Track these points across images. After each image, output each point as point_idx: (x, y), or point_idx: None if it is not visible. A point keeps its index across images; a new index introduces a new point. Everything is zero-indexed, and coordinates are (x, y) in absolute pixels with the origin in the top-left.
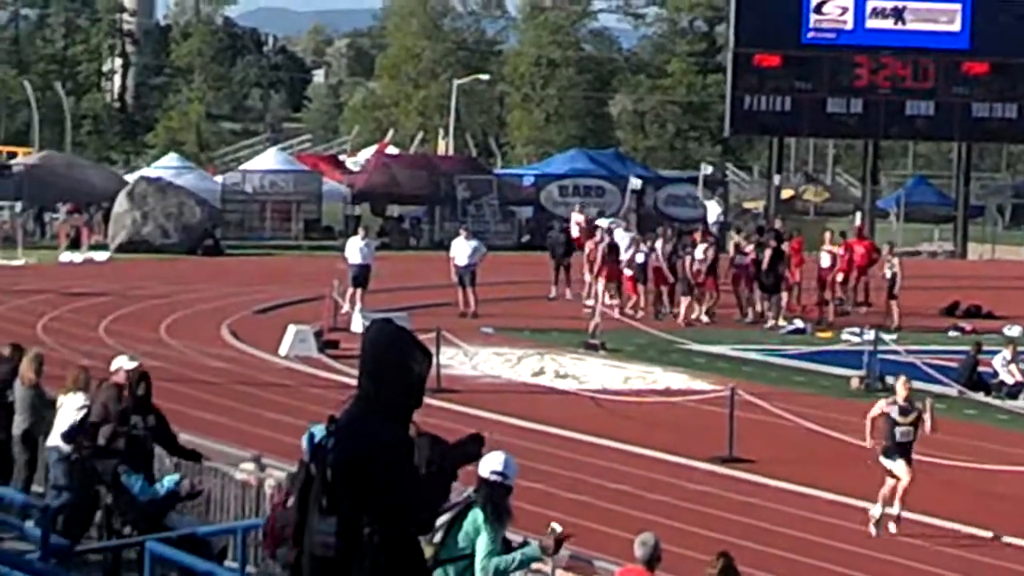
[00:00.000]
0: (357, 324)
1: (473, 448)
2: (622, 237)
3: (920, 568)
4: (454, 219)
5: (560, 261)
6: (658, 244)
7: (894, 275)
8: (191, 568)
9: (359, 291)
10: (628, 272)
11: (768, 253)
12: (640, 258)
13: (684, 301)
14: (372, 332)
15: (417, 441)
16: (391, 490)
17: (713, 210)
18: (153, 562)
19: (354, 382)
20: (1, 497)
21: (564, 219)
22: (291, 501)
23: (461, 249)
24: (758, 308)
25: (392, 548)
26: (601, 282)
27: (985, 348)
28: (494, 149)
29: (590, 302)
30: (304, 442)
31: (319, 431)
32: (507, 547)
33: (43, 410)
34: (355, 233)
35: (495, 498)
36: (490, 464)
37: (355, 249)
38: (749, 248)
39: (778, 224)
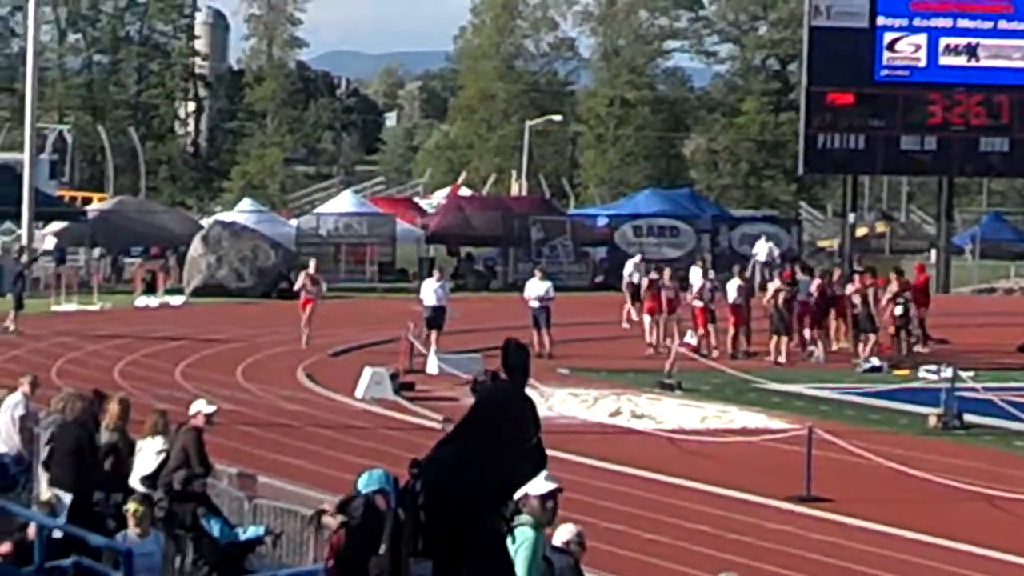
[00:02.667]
0: (433, 366)
1: None
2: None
3: None
4: (528, 260)
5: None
6: (734, 283)
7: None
8: None
9: (434, 332)
10: (699, 304)
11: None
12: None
13: (773, 340)
14: (490, 391)
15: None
16: (477, 530)
17: (762, 249)
18: None
19: (430, 424)
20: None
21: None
22: (383, 548)
23: (535, 289)
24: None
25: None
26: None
27: None
28: (567, 190)
29: (668, 342)
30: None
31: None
32: None
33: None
34: (430, 275)
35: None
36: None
37: (430, 291)
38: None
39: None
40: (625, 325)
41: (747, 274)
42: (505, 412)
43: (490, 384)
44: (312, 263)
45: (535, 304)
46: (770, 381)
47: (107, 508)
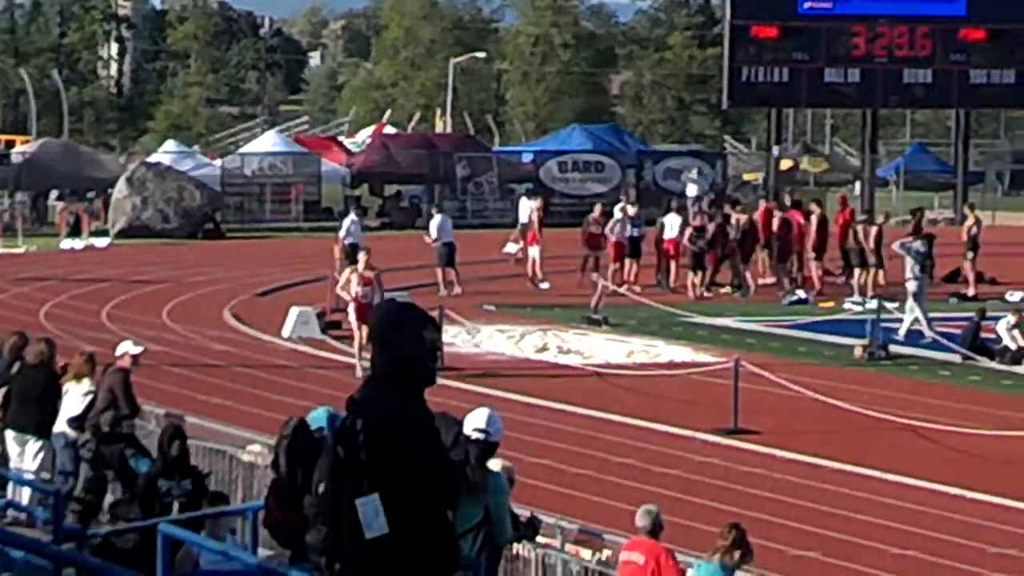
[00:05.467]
0: None
1: (528, 532)
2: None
3: (924, 534)
4: (453, 197)
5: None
6: (674, 218)
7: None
8: (207, 549)
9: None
10: (615, 240)
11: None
12: (636, 231)
13: (690, 275)
14: (381, 312)
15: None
16: (421, 463)
17: (692, 188)
18: (165, 544)
19: (356, 361)
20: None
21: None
22: (322, 487)
23: (438, 227)
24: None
25: (428, 523)
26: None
27: (988, 314)
28: (492, 127)
29: (594, 277)
30: (315, 423)
31: (317, 417)
32: (515, 521)
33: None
34: (348, 213)
35: (481, 456)
36: (473, 422)
37: (346, 227)
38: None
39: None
40: (512, 250)
41: (700, 215)
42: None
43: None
44: (363, 256)
45: (438, 242)
46: (696, 315)
47: None
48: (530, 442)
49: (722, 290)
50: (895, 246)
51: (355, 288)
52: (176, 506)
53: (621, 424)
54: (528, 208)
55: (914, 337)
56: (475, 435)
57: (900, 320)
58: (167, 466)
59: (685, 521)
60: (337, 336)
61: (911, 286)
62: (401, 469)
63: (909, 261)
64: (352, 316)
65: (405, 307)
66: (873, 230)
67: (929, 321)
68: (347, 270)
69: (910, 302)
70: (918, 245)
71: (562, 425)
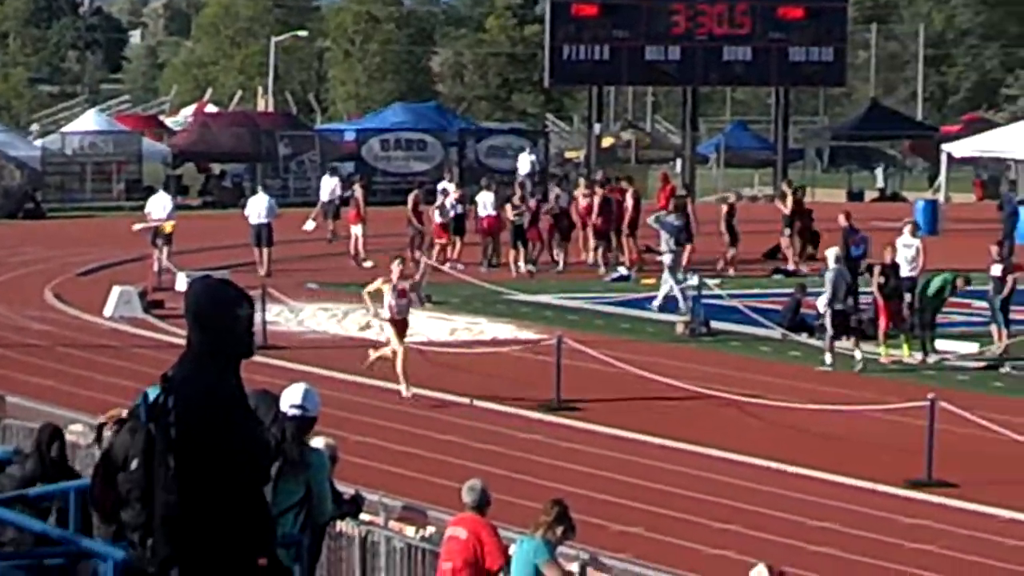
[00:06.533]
0: (182, 283)
1: (352, 509)
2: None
3: (746, 508)
4: (276, 176)
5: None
6: (487, 195)
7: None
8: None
9: (166, 248)
10: (439, 220)
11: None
12: (459, 208)
13: (511, 254)
14: (196, 286)
15: (253, 396)
16: (233, 440)
17: (524, 162)
18: None
19: (180, 341)
20: None
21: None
22: (135, 464)
23: (255, 207)
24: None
25: (242, 500)
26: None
27: (808, 290)
28: (315, 106)
29: (417, 255)
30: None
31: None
32: (338, 498)
33: None
34: (164, 191)
35: (298, 432)
36: (289, 398)
37: (159, 206)
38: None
39: (599, 174)
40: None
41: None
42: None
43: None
44: (396, 266)
45: (255, 221)
46: (519, 292)
47: None
48: (354, 420)
49: (523, 267)
50: (650, 220)
51: (389, 300)
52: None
53: (444, 401)
54: (329, 186)
55: (671, 304)
56: (291, 411)
57: (720, 296)
58: (46, 469)
59: (509, 497)
60: (160, 315)
61: (666, 259)
62: (212, 446)
63: (664, 234)
64: (390, 331)
65: (220, 284)
66: (724, 208)
67: (684, 292)
68: (378, 280)
69: (665, 274)
70: (672, 219)
71: (385, 403)
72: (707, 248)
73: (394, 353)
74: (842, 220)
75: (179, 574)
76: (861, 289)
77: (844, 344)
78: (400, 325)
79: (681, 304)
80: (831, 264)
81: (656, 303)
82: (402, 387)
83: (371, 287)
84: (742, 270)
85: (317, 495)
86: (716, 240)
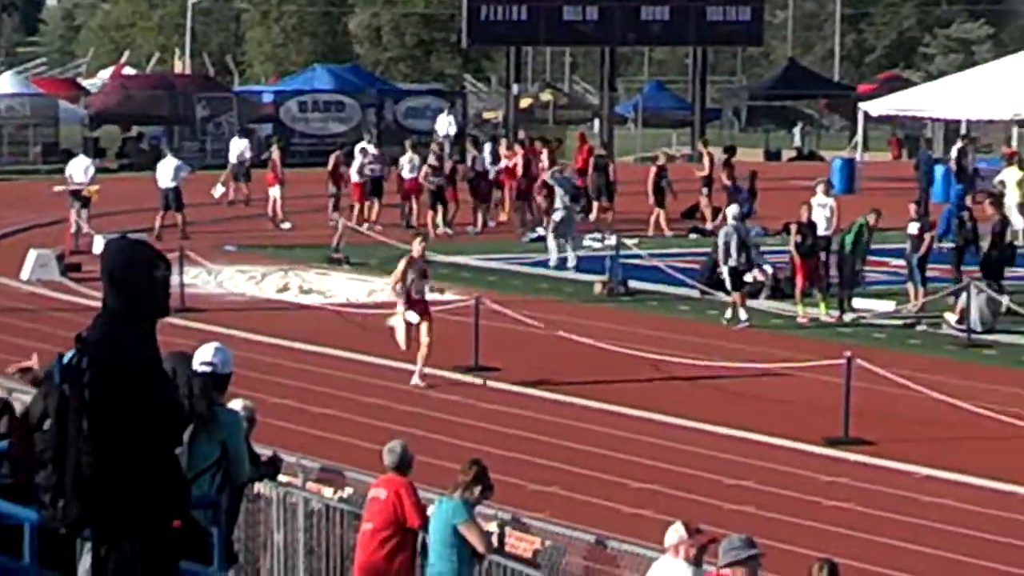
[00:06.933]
0: (99, 246)
1: (269, 471)
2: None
3: (665, 467)
4: (194, 138)
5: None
6: (409, 157)
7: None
8: None
9: (85, 211)
10: (357, 180)
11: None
12: (376, 170)
13: (429, 215)
14: (111, 248)
15: (170, 358)
16: (146, 401)
17: (442, 123)
18: None
19: (98, 304)
20: None
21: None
22: (47, 424)
23: (164, 171)
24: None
25: (153, 460)
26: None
27: None
28: (232, 67)
29: (335, 216)
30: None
31: (69, 355)
32: (256, 460)
33: None
34: (84, 155)
35: (206, 388)
36: (201, 356)
37: (80, 169)
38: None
39: (521, 134)
40: (218, 194)
41: (438, 152)
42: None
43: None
44: (418, 244)
45: (163, 185)
46: (437, 253)
47: None
48: (272, 382)
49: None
50: (546, 176)
51: (412, 279)
52: None
53: (364, 363)
54: (239, 148)
55: (653, 273)
56: (202, 368)
57: (639, 256)
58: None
59: (428, 459)
60: (77, 278)
61: (556, 215)
62: (126, 407)
63: (559, 191)
64: (402, 311)
65: (136, 245)
66: (653, 169)
67: (574, 252)
68: (402, 261)
69: (549, 229)
70: (568, 175)
71: (305, 365)
72: (627, 208)
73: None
74: (724, 179)
75: (91, 535)
76: (780, 248)
77: (760, 303)
78: (417, 306)
79: (570, 260)
80: (729, 221)
81: (552, 260)
82: (417, 372)
83: (395, 279)
84: (660, 230)
85: (233, 456)
86: (634, 200)
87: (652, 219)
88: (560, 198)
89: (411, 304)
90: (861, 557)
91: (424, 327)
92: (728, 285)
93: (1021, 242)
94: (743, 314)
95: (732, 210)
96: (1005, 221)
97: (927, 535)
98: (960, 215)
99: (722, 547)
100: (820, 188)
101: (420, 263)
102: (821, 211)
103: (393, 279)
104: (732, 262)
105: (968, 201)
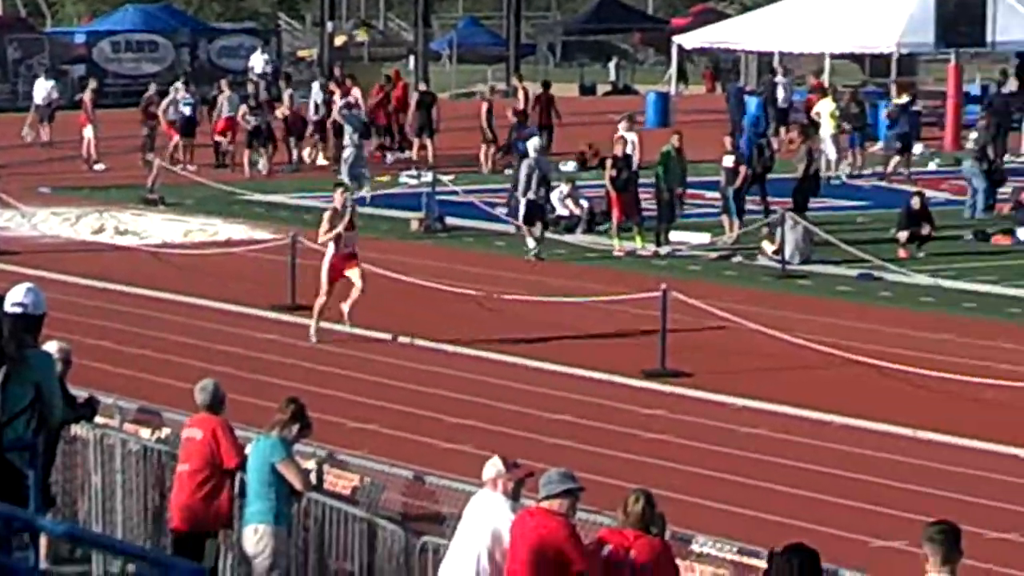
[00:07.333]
0: None
1: (86, 412)
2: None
3: (483, 403)
4: (5, 80)
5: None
6: (227, 96)
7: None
8: None
9: None
10: (170, 119)
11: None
12: (187, 111)
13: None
14: None
15: None
16: None
17: (257, 61)
18: None
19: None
20: None
21: None
22: None
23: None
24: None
25: None
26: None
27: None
28: (44, 8)
29: (150, 156)
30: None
31: None
32: (72, 402)
33: None
34: None
35: (15, 328)
36: (12, 297)
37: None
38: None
39: (336, 71)
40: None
41: (250, 88)
42: None
43: None
44: (340, 194)
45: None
46: (254, 192)
47: None
48: (88, 324)
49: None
50: (336, 114)
51: (339, 231)
52: None
53: (180, 303)
54: (44, 90)
55: (469, 209)
56: (13, 309)
57: (455, 192)
58: None
59: (246, 397)
60: None
61: (346, 152)
62: None
63: (348, 128)
64: (325, 269)
65: None
66: (484, 106)
67: (369, 186)
68: (324, 217)
69: (342, 167)
70: (357, 112)
71: (121, 306)
72: (446, 145)
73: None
74: (509, 114)
75: None
76: (596, 182)
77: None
78: (348, 259)
79: (364, 194)
80: (530, 154)
81: (365, 196)
82: (312, 330)
83: (323, 232)
84: (477, 166)
85: (47, 397)
86: (453, 137)
87: (483, 155)
88: (349, 135)
89: (341, 258)
90: (680, 488)
91: (355, 273)
92: (521, 216)
93: (835, 172)
94: (531, 243)
95: (533, 143)
96: (812, 152)
97: (744, 465)
98: (760, 143)
99: (541, 481)
100: (623, 124)
101: (345, 212)
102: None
103: (321, 232)
104: (531, 195)
105: (783, 133)
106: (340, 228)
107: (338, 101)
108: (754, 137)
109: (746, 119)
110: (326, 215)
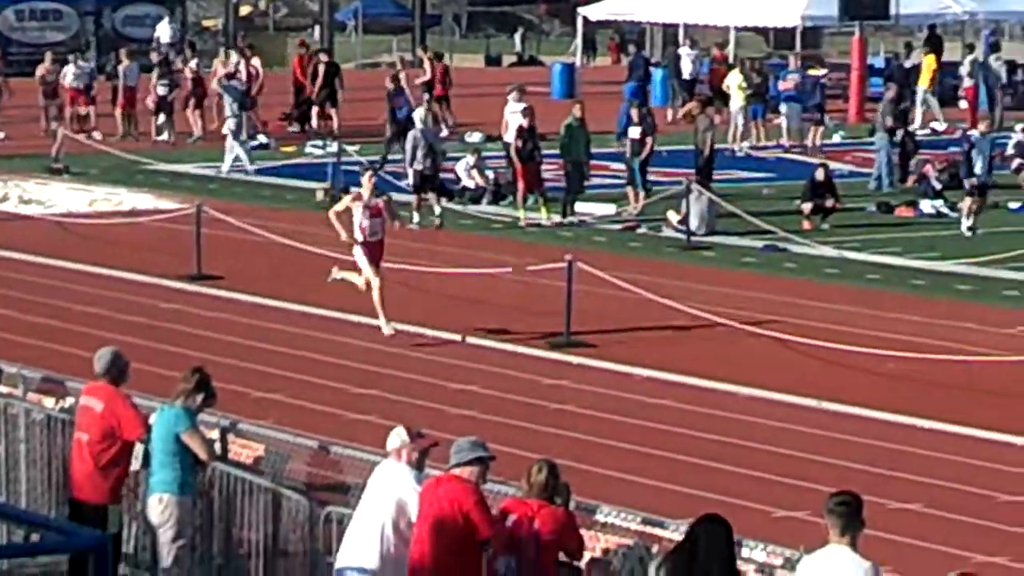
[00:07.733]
0: None
1: None
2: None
3: (387, 373)
4: None
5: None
6: (129, 65)
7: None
8: None
9: None
10: (71, 86)
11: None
12: (89, 79)
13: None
14: None
15: None
16: None
17: (164, 30)
18: None
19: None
20: None
21: None
22: None
23: None
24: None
25: None
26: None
27: (449, 155)
28: None
29: (54, 125)
30: None
31: None
32: None
33: None
34: None
35: None
36: None
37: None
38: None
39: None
40: None
41: (155, 57)
42: None
43: None
44: (368, 179)
45: None
46: (159, 162)
47: None
48: None
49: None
50: (214, 84)
51: (360, 220)
52: None
53: (84, 273)
54: None
55: (282, 170)
56: None
57: (359, 162)
58: None
59: (149, 367)
60: None
61: (229, 123)
62: None
63: (228, 99)
64: (360, 257)
65: None
66: (420, 76)
67: (249, 155)
68: (346, 197)
69: (228, 139)
70: (235, 83)
71: (25, 275)
72: (349, 115)
73: (367, 284)
74: (388, 83)
75: None
76: (500, 153)
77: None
78: (374, 249)
79: (247, 165)
80: (417, 125)
81: (224, 168)
82: (381, 322)
83: (339, 206)
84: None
85: None
86: (356, 108)
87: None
88: (229, 106)
89: (366, 246)
90: (584, 459)
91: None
92: (410, 185)
93: (745, 144)
94: (416, 216)
95: (419, 113)
96: (711, 124)
97: (649, 436)
98: (641, 110)
99: (452, 448)
100: (512, 95)
101: (374, 202)
102: (515, 117)
103: (334, 215)
104: (418, 165)
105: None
106: (358, 210)
107: (220, 71)
108: (627, 105)
109: (626, 88)
110: (348, 197)
